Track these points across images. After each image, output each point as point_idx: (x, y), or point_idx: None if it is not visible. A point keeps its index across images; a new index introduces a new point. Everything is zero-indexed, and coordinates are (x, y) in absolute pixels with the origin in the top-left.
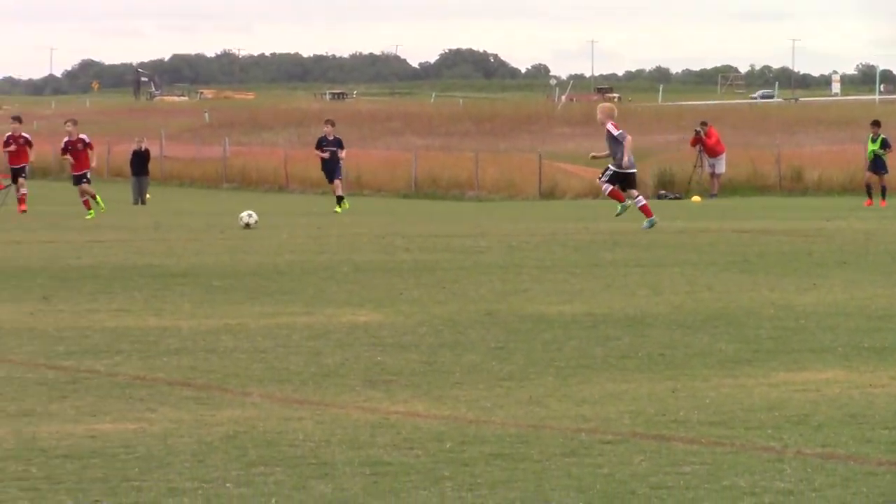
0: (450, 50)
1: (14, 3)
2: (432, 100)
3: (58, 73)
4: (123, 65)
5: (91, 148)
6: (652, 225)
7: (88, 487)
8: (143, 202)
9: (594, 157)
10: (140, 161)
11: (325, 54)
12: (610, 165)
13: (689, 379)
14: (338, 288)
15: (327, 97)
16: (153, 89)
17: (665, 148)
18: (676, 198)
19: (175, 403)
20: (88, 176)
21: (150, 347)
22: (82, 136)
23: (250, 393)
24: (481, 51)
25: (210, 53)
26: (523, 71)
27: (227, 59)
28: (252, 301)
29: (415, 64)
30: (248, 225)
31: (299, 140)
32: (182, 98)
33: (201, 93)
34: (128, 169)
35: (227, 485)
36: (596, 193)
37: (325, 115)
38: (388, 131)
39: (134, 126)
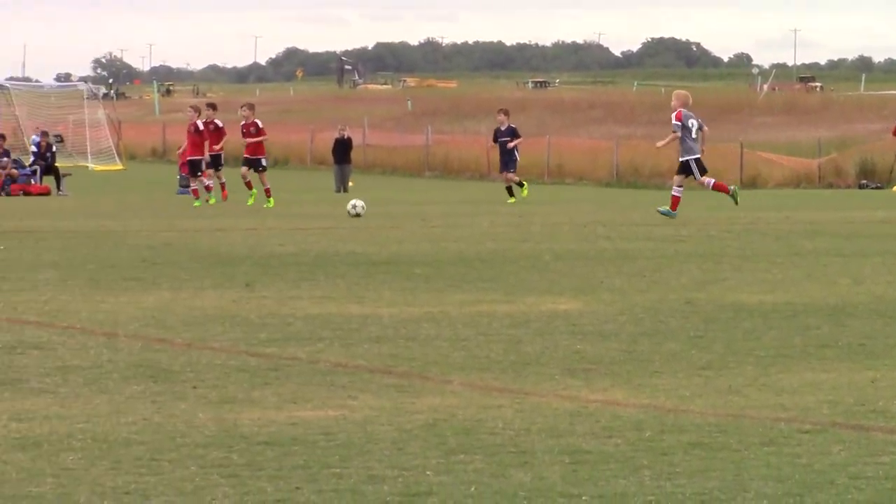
0: (652, 39)
1: None
2: (634, 88)
3: (262, 61)
4: (327, 53)
5: (262, 134)
6: (667, 215)
7: (289, 474)
8: (346, 190)
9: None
10: (342, 149)
11: (527, 43)
12: (681, 158)
13: (889, 369)
14: (538, 276)
15: (529, 86)
16: (356, 77)
17: (867, 138)
18: (878, 187)
19: (376, 391)
20: (264, 163)
21: (351, 335)
22: (256, 120)
23: (450, 381)
24: (684, 39)
25: (413, 41)
26: (725, 60)
27: (430, 47)
28: (453, 289)
29: (617, 53)
30: (358, 215)
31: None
32: (385, 86)
33: (404, 81)
34: (330, 157)
35: (427, 472)
36: (798, 182)
37: (528, 103)
38: (589, 120)
39: (337, 114)
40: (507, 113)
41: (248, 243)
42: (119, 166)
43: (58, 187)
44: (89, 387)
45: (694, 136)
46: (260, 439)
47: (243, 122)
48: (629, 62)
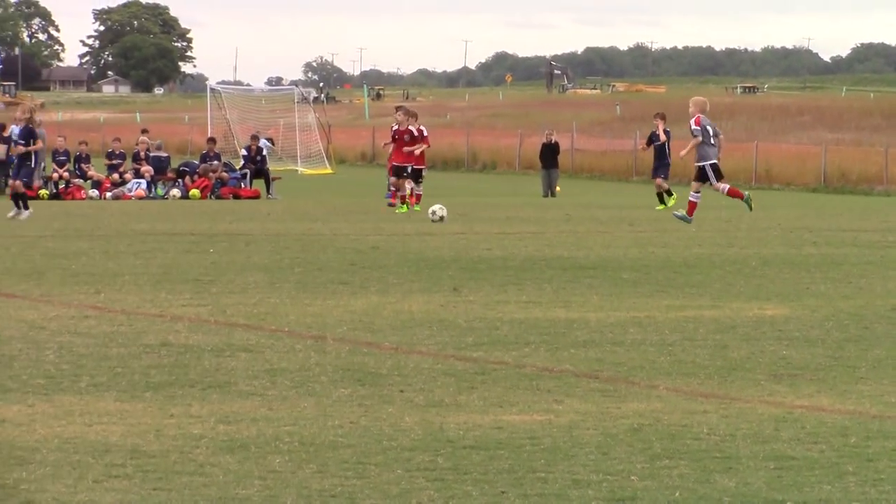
0: (862, 44)
1: None
2: (843, 94)
3: (472, 66)
4: (537, 57)
5: (424, 142)
6: (683, 219)
7: (494, 479)
8: (553, 194)
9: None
10: (550, 153)
11: (736, 48)
12: (697, 164)
13: None
14: (745, 282)
15: (738, 90)
16: (566, 82)
17: None
18: None
19: (581, 395)
20: (422, 173)
21: (557, 339)
22: (412, 127)
23: (656, 386)
24: (894, 45)
25: (623, 46)
26: None
27: (639, 51)
28: (660, 294)
29: (826, 58)
30: (441, 218)
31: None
32: (594, 91)
33: (613, 86)
34: (538, 161)
35: (632, 477)
36: None
37: (736, 108)
38: (798, 125)
39: (545, 119)
40: (663, 117)
41: (455, 247)
42: (328, 170)
43: (268, 191)
44: (297, 390)
45: (712, 141)
46: (466, 443)
47: (395, 128)
48: (838, 67)
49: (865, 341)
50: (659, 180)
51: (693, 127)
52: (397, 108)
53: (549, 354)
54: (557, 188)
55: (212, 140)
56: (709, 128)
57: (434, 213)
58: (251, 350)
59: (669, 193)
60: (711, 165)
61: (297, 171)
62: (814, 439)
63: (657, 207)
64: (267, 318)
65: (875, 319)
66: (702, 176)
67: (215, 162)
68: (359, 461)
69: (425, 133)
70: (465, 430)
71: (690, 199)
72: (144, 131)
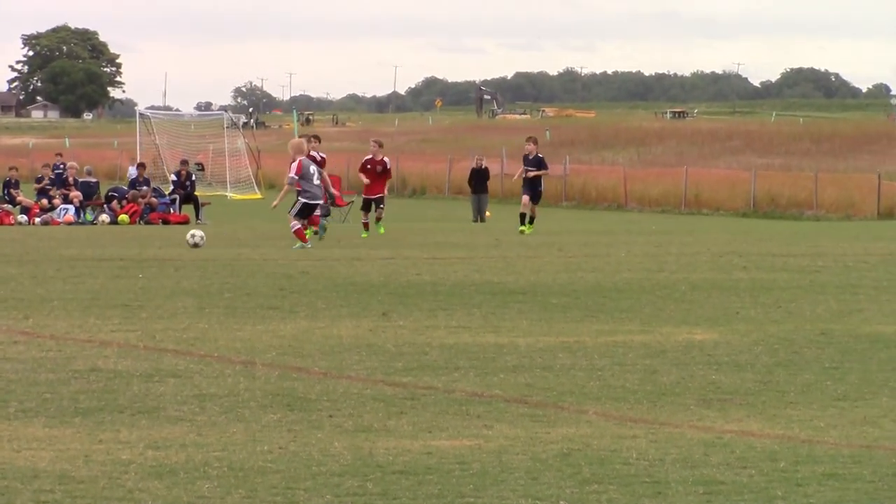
0: (791, 69)
1: (359, 20)
2: (773, 119)
3: (401, 91)
4: (467, 82)
5: (388, 176)
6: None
7: None
8: (483, 219)
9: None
10: (480, 178)
11: (666, 73)
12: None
13: None
14: (674, 306)
15: (668, 115)
16: (495, 107)
17: None
18: None
19: (511, 420)
20: (382, 204)
21: (487, 364)
22: (385, 158)
23: (586, 410)
24: (822, 70)
25: (552, 71)
26: (864, 90)
27: (569, 76)
28: (590, 319)
29: (756, 83)
30: (196, 245)
31: (639, 158)
32: (524, 116)
33: (543, 111)
34: (467, 186)
35: (561, 502)
36: None
37: (666, 133)
38: (727, 150)
39: (475, 143)
40: (535, 142)
41: (384, 272)
42: (258, 195)
43: (196, 216)
44: (226, 415)
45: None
46: (395, 468)
47: (370, 158)
48: (768, 92)
49: (795, 366)
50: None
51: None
52: (373, 141)
53: (478, 379)
54: (487, 213)
55: (141, 165)
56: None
57: (193, 236)
58: (180, 375)
59: (531, 221)
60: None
61: (226, 196)
62: (743, 464)
63: (520, 228)
64: (196, 344)
65: (804, 344)
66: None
67: (144, 188)
68: (287, 486)
69: (388, 164)
70: (395, 456)
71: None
72: (59, 155)
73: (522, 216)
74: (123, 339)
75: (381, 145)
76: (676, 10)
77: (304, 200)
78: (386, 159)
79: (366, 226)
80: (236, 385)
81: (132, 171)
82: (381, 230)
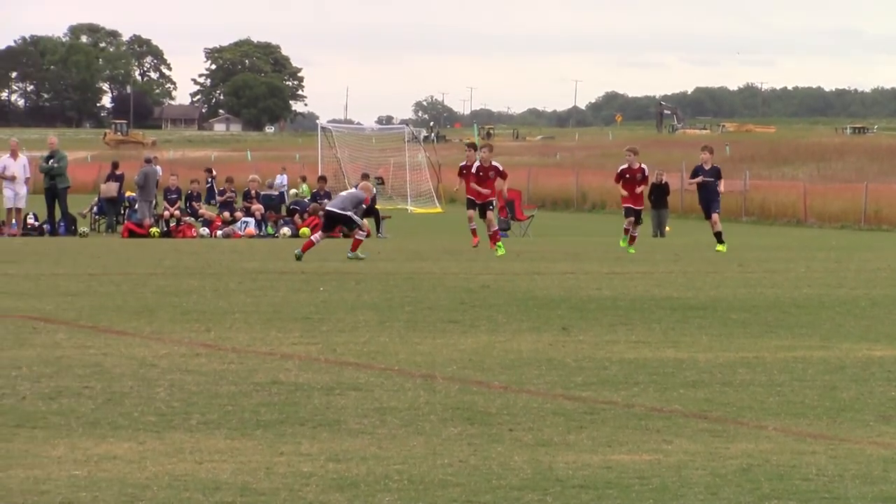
0: None
1: (540, 34)
2: None
3: (582, 105)
4: (647, 97)
5: (502, 177)
6: None
7: None
8: (663, 234)
9: None
10: (660, 193)
11: (847, 88)
12: None
13: None
14: (854, 322)
15: (848, 131)
16: (676, 122)
17: None
18: None
19: (690, 435)
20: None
21: (666, 379)
22: (495, 163)
23: (765, 426)
24: None
25: (733, 86)
26: None
27: (749, 92)
28: (769, 334)
29: None
30: None
31: (819, 174)
32: (704, 131)
33: (723, 126)
34: (647, 202)
35: None
36: None
37: (846, 149)
38: None
39: (655, 158)
40: (710, 150)
41: (564, 286)
42: (438, 209)
43: (377, 229)
44: (406, 428)
45: None
46: (575, 482)
47: (479, 164)
48: None
49: None
50: (714, 216)
51: None
52: (482, 147)
53: (657, 394)
54: (667, 228)
55: (322, 179)
56: None
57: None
58: (361, 388)
59: (719, 236)
60: None
61: (406, 209)
62: None
63: (717, 248)
64: (376, 357)
65: None
66: None
67: (325, 200)
68: (468, 500)
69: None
70: (574, 470)
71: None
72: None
73: (719, 234)
74: (304, 351)
75: (635, 152)
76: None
77: None
78: (644, 167)
79: (633, 240)
80: (416, 398)
81: (280, 180)
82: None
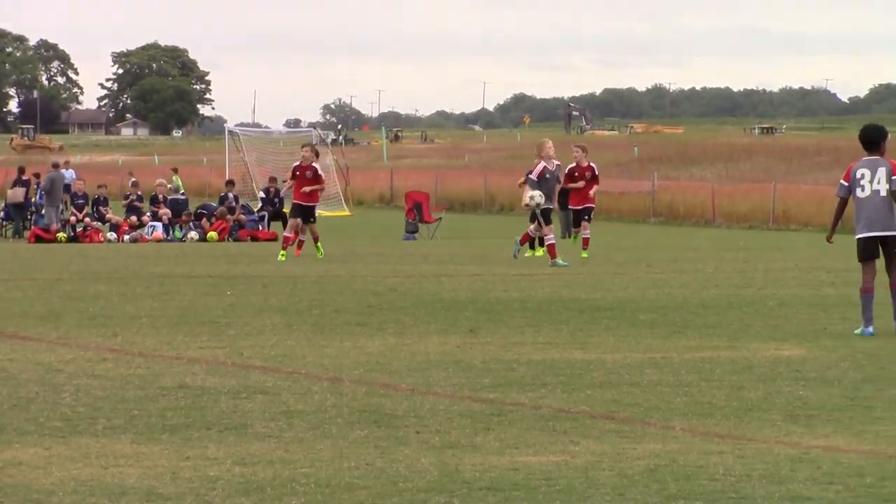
0: (880, 84)
1: (449, 37)
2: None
3: (490, 107)
4: (555, 99)
5: (320, 182)
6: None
7: None
8: (571, 235)
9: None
10: (568, 195)
11: (755, 88)
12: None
13: None
14: (762, 322)
15: (756, 131)
16: (584, 123)
17: None
18: None
19: (597, 436)
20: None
21: (574, 380)
22: (316, 164)
23: (672, 426)
24: None
25: (641, 87)
26: None
27: (657, 92)
28: (677, 335)
29: (844, 98)
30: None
31: (727, 174)
32: (612, 132)
33: (631, 127)
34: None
35: None
36: None
37: (755, 149)
38: (815, 166)
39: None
40: (584, 150)
41: (472, 288)
42: (346, 212)
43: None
44: (313, 432)
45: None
46: (482, 484)
47: (299, 164)
48: (856, 108)
49: (882, 381)
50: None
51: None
52: (304, 146)
53: (565, 395)
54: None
55: (230, 183)
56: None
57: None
58: (268, 392)
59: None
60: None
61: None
62: (829, 480)
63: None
64: (284, 361)
65: (892, 359)
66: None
67: (234, 204)
68: (374, 503)
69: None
70: (482, 472)
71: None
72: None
73: (586, 240)
74: (211, 355)
75: (584, 150)
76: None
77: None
78: (594, 165)
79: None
80: (323, 401)
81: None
82: (584, 254)
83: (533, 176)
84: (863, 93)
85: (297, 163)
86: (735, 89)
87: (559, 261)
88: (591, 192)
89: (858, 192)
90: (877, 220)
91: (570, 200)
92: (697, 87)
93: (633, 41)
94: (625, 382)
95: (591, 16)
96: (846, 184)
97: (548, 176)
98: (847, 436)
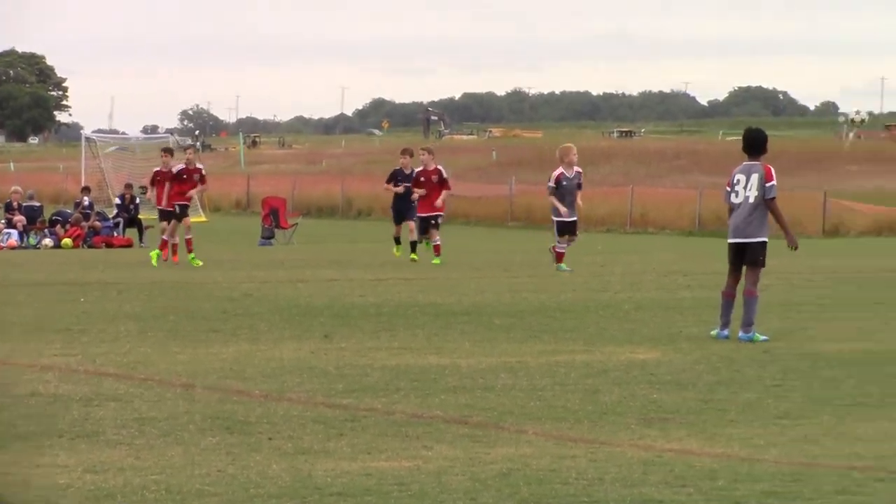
0: (739, 88)
1: (307, 42)
2: (720, 138)
3: (349, 112)
4: (414, 103)
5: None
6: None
7: None
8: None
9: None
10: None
11: (614, 92)
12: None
13: None
14: (618, 326)
15: (615, 135)
16: (442, 128)
17: None
18: None
19: (451, 441)
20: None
21: (428, 385)
22: (200, 166)
23: (526, 431)
24: (770, 88)
25: (500, 92)
26: (812, 108)
27: (517, 97)
28: (533, 339)
29: (703, 102)
30: None
31: (586, 178)
32: (471, 136)
33: (490, 131)
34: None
35: None
36: (880, 231)
37: (613, 152)
38: (674, 169)
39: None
40: (411, 154)
41: (328, 294)
42: (202, 218)
43: (140, 239)
44: (164, 438)
45: None
46: (333, 490)
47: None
48: (716, 111)
49: (736, 384)
50: (410, 223)
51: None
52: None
53: (419, 400)
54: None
55: (86, 189)
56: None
57: None
58: (120, 399)
59: (415, 245)
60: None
61: None
62: (682, 483)
63: (397, 254)
64: (137, 367)
65: (746, 363)
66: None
67: (89, 211)
68: None
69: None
70: (334, 477)
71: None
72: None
73: (413, 244)
74: (64, 363)
75: (432, 153)
76: (625, 30)
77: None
78: (441, 168)
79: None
80: (176, 408)
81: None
82: (436, 261)
83: (551, 182)
84: (722, 96)
85: (175, 167)
86: (594, 93)
87: (563, 266)
88: (439, 201)
89: (733, 198)
90: (741, 227)
91: (418, 208)
92: (557, 92)
93: (493, 46)
94: (479, 387)
95: (452, 21)
96: (728, 189)
97: (565, 182)
98: (700, 439)
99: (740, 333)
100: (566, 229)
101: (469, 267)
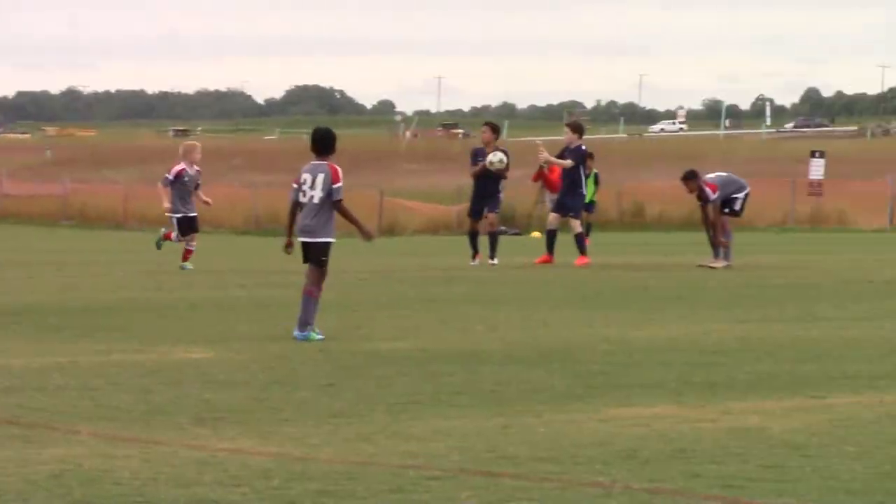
0: (296, 86)
1: None
2: (277, 136)
3: None
4: None
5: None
6: None
7: None
8: None
9: None
10: None
11: (170, 91)
12: None
13: (520, 415)
14: (172, 325)
15: (171, 134)
16: None
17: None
18: (516, 234)
19: (1, 442)
20: None
21: None
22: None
23: (78, 431)
24: (328, 87)
25: (55, 90)
26: (369, 107)
27: (72, 95)
28: (85, 338)
29: (260, 100)
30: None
31: (141, 177)
32: (25, 135)
33: (44, 130)
34: None
35: None
36: (436, 229)
37: (170, 152)
38: (231, 168)
39: None
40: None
41: None
42: None
43: None
44: None
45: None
46: None
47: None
48: (272, 110)
49: (291, 383)
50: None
51: None
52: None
53: None
54: None
55: None
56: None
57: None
58: None
59: None
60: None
61: None
62: (237, 482)
63: None
64: None
65: (302, 361)
66: None
67: None
68: None
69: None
70: None
71: None
72: None
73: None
74: None
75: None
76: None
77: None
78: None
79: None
80: None
81: None
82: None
83: (169, 176)
84: (279, 94)
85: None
86: (150, 91)
87: None
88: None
89: (301, 197)
90: (307, 225)
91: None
92: (112, 90)
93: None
94: (30, 387)
95: (13, 19)
96: (296, 186)
97: (186, 179)
98: (254, 438)
99: (295, 332)
100: (188, 225)
101: (22, 266)
